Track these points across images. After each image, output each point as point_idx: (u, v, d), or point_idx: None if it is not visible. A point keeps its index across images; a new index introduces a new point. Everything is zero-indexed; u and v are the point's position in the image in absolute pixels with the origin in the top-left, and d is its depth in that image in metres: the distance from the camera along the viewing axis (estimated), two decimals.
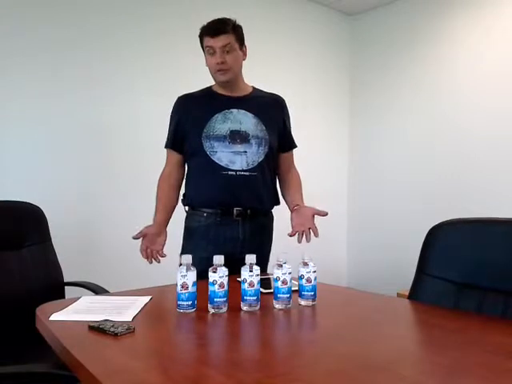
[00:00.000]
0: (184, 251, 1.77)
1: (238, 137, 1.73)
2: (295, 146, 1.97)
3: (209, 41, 1.70)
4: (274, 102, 1.89)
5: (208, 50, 1.72)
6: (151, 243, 1.76)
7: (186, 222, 1.83)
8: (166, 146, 1.86)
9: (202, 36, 1.74)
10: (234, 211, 1.73)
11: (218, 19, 1.73)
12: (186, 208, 1.84)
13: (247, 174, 1.72)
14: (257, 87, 1.90)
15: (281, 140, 1.86)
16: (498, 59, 2.98)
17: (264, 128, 1.78)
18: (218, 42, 1.68)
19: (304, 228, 1.68)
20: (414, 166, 3.44)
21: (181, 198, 1.85)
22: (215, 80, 1.79)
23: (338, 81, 3.88)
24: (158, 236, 1.78)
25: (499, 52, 2.97)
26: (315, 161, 3.58)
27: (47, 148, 2.51)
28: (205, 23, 1.74)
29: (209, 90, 1.85)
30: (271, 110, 1.85)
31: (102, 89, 2.67)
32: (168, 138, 1.85)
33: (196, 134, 1.74)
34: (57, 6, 2.52)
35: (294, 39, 3.57)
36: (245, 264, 1.23)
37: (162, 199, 1.82)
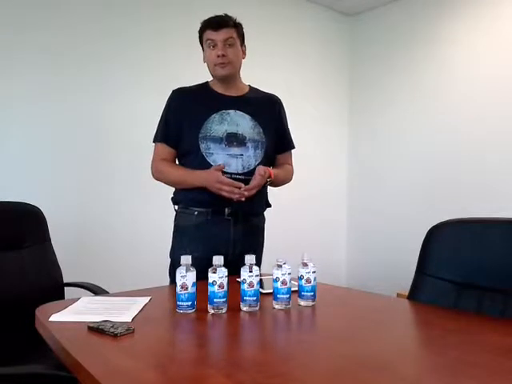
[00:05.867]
0: (174, 250, 1.74)
1: (234, 139, 1.70)
2: (293, 147, 1.92)
3: (210, 34, 1.68)
4: (270, 103, 1.85)
5: (209, 44, 1.69)
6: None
7: (175, 221, 1.78)
8: (159, 140, 1.76)
9: (202, 30, 1.71)
10: (226, 210, 1.68)
11: (220, 15, 1.71)
12: (176, 207, 1.79)
13: (242, 177, 1.67)
14: (253, 86, 1.86)
15: (278, 141, 1.83)
16: (497, 59, 2.97)
17: (261, 131, 1.75)
18: (219, 35, 1.66)
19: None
20: (414, 165, 3.44)
21: (171, 196, 1.81)
22: (213, 75, 1.75)
23: (338, 81, 3.88)
24: (217, 171, 1.64)
25: (498, 52, 2.97)
26: (315, 161, 3.58)
27: (47, 148, 2.50)
28: (205, 18, 1.72)
29: (205, 86, 1.80)
30: (268, 111, 1.82)
31: (102, 89, 2.67)
32: (159, 132, 1.77)
33: (193, 133, 1.69)
34: (57, 8, 2.52)
35: (294, 39, 3.57)
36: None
37: (177, 167, 1.77)
